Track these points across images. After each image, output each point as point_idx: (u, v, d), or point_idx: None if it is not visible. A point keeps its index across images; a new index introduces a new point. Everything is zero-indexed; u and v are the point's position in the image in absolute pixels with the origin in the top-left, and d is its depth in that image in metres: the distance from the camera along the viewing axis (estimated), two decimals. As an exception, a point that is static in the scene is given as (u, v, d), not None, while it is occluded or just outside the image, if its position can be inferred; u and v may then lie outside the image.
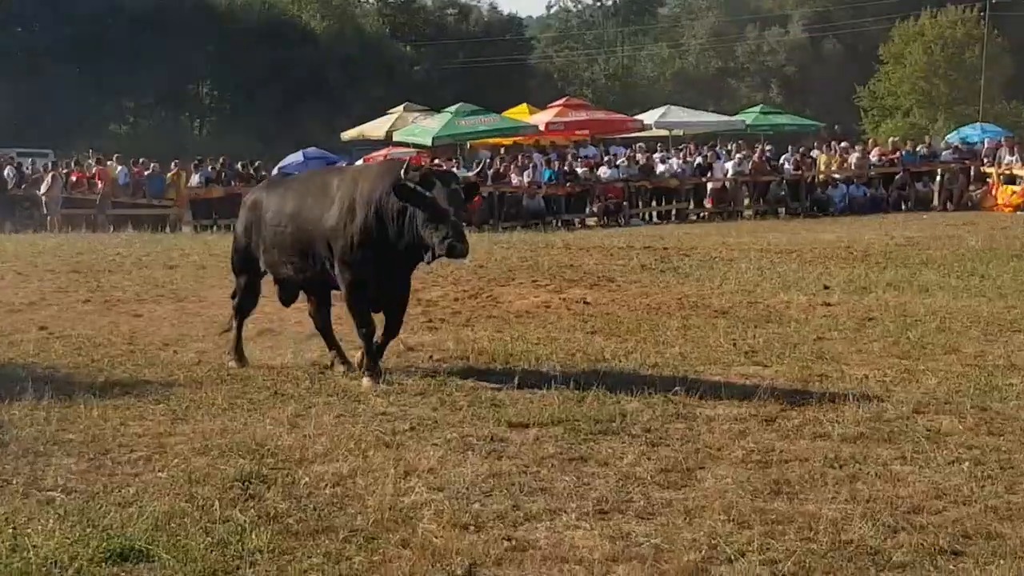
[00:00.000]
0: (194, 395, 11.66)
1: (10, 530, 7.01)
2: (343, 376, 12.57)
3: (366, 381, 12.01)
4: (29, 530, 7.35)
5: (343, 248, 12.29)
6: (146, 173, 42.08)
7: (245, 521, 7.64)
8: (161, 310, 17.75)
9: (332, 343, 13.39)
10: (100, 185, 40.63)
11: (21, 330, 15.97)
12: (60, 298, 19.28)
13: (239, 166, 43.59)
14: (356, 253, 12.23)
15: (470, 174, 14.03)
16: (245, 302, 13.91)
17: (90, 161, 43.30)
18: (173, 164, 42.39)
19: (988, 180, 41.67)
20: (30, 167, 43.65)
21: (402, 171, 11.81)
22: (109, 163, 42.80)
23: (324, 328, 13.52)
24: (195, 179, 42.32)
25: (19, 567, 6.76)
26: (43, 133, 62.36)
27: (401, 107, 51.39)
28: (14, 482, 8.65)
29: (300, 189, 13.46)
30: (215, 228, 38.14)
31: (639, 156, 44.39)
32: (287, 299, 14.05)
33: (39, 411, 10.76)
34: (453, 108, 47.23)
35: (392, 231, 12.00)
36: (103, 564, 6.89)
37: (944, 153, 46.03)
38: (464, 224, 11.88)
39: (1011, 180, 40.46)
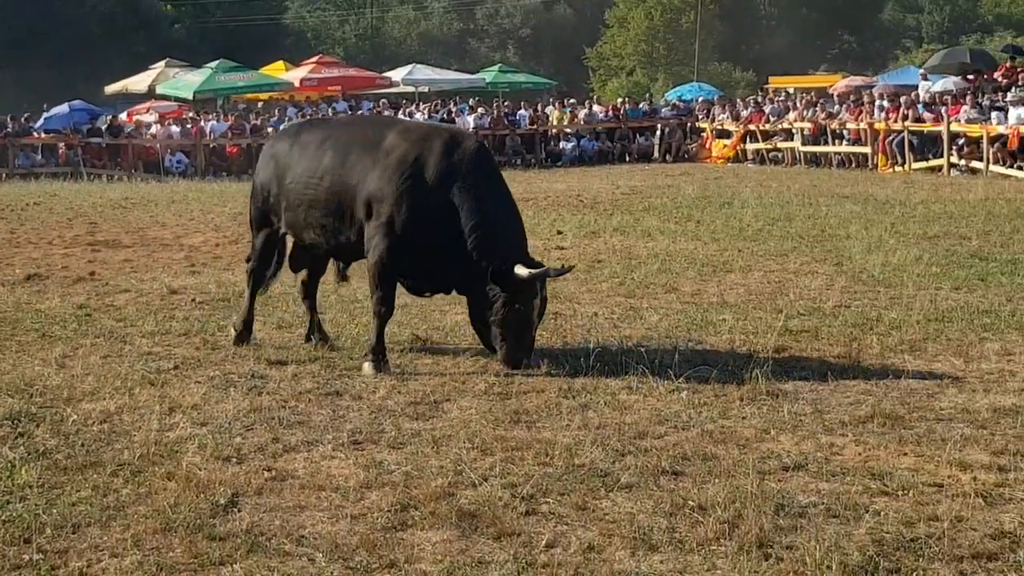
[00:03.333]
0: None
1: None
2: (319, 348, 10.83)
3: (367, 366, 10.02)
4: None
5: (388, 218, 10.11)
6: None
7: (15, 458, 7.49)
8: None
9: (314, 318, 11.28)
10: None
11: None
12: None
13: (8, 118, 41.99)
14: (401, 235, 10.11)
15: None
16: (260, 267, 11.32)
17: None
18: None
19: (703, 134, 42.74)
20: None
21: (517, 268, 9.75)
22: None
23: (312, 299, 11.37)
24: (-40, 131, 40.85)
25: None
26: None
27: (163, 63, 50.68)
28: None
29: (341, 140, 10.77)
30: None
31: (387, 111, 44.17)
32: (299, 265, 11.43)
33: None
34: (213, 64, 47.21)
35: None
36: None
37: (663, 110, 47.14)
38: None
39: (723, 134, 41.50)
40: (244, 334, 10.93)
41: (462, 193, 10.03)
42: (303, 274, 11.33)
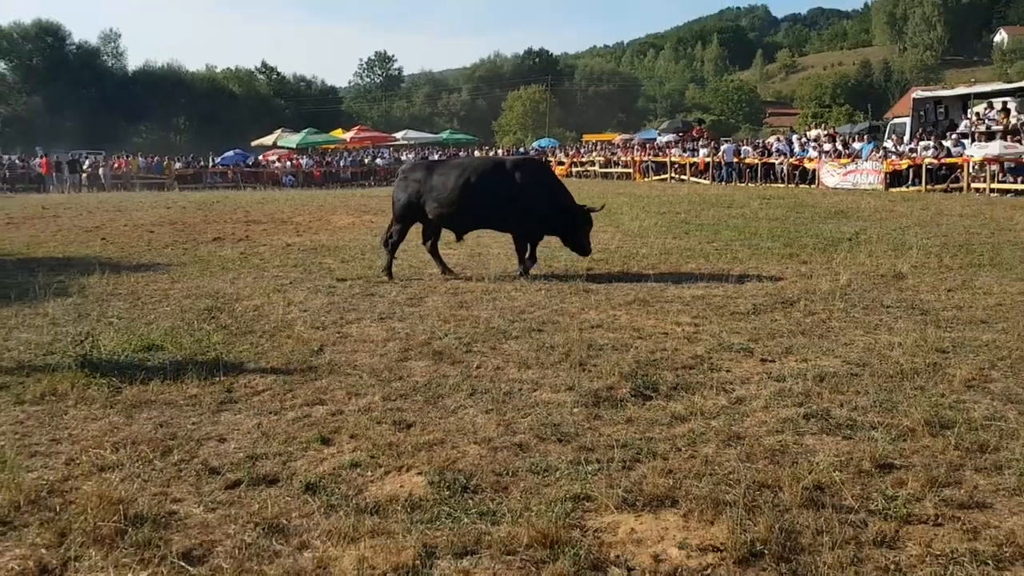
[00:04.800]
0: (182, 269, 11.09)
1: (90, 339, 6.59)
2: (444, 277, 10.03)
3: (523, 272, 9.90)
4: (101, 338, 6.92)
5: (523, 212, 9.83)
6: (154, 161, 40.33)
7: (209, 329, 7.39)
8: (163, 229, 16.68)
9: (441, 261, 10.38)
10: (129, 168, 39.02)
11: (90, 240, 14.89)
12: (111, 222, 17.99)
13: (201, 159, 41.93)
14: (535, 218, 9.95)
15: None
16: (398, 243, 10.21)
17: (125, 156, 41.52)
18: (166, 158, 41.04)
19: (550, 162, 42.76)
20: (95, 158, 42.00)
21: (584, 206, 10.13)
22: (134, 157, 41.05)
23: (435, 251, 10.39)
24: (178, 165, 41.05)
25: (96, 355, 6.36)
26: (99, 141, 58.36)
27: (279, 129, 50.20)
28: (92, 314, 8.14)
29: (476, 170, 9.98)
30: (190, 190, 36.03)
31: (394, 154, 44.22)
32: (428, 238, 10.38)
33: (103, 279, 10.07)
34: (305, 130, 46.92)
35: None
36: (139, 352, 6.57)
37: (532, 151, 47.34)
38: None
39: (560, 163, 41.52)
40: (389, 274, 10.03)
41: (554, 187, 10.20)
42: (429, 244, 10.38)
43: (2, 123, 71.33)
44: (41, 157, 39.91)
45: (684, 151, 34.89)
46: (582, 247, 10.17)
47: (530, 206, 9.78)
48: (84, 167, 39.19)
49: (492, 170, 10.07)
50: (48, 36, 73.93)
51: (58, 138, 59.69)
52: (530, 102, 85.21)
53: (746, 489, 3.94)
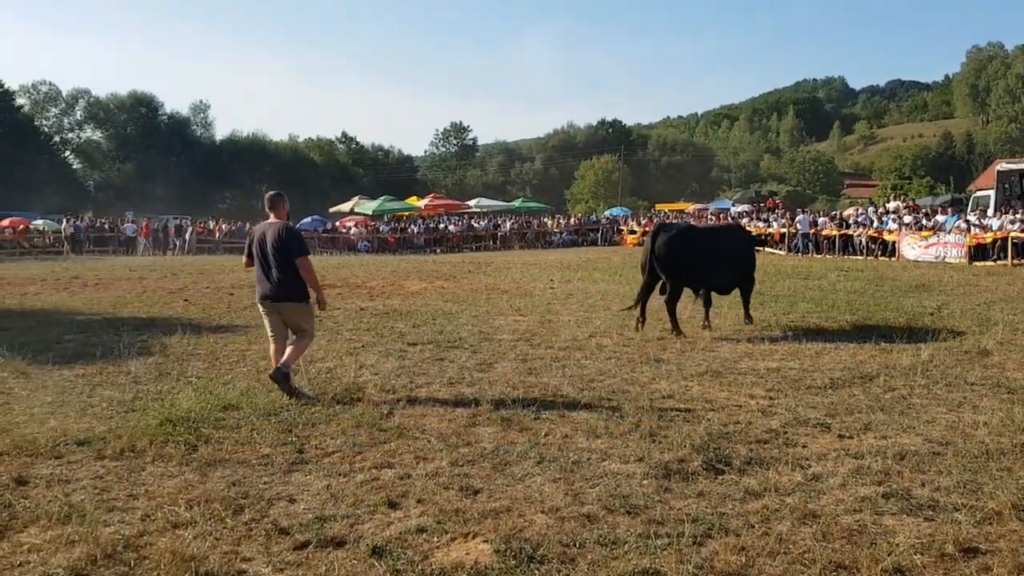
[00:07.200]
0: (260, 331, 11.20)
1: (169, 397, 6.78)
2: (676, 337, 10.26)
3: (747, 318, 11.36)
4: (180, 396, 7.14)
5: (748, 268, 11.48)
6: (236, 227, 41.77)
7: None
8: (243, 291, 17.02)
9: (676, 319, 10.74)
10: (216, 233, 40.20)
11: (173, 302, 15.38)
12: (193, 284, 18.57)
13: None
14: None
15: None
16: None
17: (210, 221, 42.86)
18: (248, 223, 42.10)
19: (623, 231, 42.78)
20: (180, 223, 43.57)
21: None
22: (218, 222, 42.49)
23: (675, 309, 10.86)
24: (259, 231, 42.20)
25: (173, 413, 6.54)
26: (185, 207, 60.80)
27: (357, 197, 51.54)
28: (172, 373, 8.39)
29: (719, 237, 11.65)
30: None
31: (466, 221, 44.81)
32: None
33: (184, 339, 10.39)
34: (382, 197, 48.09)
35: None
36: (216, 411, 6.71)
37: (603, 219, 47.55)
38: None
39: (633, 232, 41.48)
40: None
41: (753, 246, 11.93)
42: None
43: (96, 188, 75.10)
44: (144, 221, 42.22)
45: (760, 222, 34.63)
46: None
47: (751, 266, 11.58)
48: (171, 229, 41.02)
49: (732, 236, 11.69)
50: (142, 107, 78.08)
51: (148, 204, 62.49)
52: (603, 171, 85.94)
53: (822, 570, 3.81)
